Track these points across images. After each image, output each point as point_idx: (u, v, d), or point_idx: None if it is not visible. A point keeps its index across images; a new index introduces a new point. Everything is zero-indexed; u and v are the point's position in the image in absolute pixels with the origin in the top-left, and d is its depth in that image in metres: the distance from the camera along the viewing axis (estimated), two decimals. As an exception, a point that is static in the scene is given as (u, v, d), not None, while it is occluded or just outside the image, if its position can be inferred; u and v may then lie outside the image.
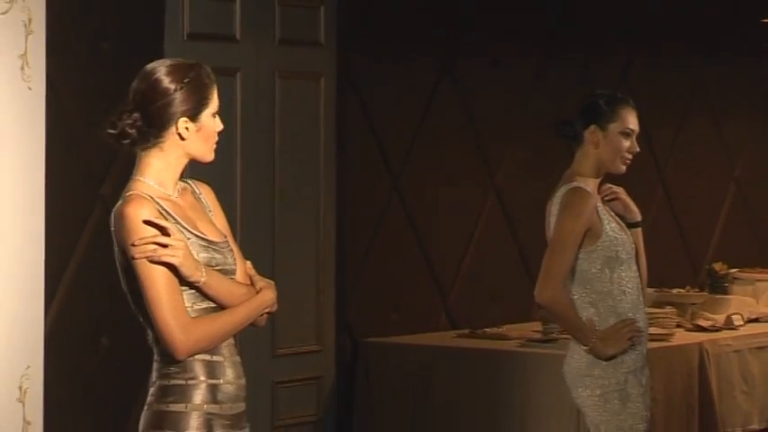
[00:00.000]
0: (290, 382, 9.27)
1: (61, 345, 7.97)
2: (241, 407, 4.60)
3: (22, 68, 7.40)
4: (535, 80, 10.24)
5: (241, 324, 4.62)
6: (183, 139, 4.51)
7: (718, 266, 11.62)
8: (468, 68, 10.91)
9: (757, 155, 13.67)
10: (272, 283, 4.75)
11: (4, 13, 7.34)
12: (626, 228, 6.55)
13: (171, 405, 4.50)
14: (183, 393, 4.52)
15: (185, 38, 8.76)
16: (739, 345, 10.54)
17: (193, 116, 4.50)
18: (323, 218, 9.74)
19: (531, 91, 10.02)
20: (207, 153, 4.65)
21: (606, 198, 6.63)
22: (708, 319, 10.65)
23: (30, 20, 7.54)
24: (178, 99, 4.48)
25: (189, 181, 4.77)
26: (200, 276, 4.40)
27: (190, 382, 4.50)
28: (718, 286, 11.49)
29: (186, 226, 4.53)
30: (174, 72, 4.56)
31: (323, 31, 9.69)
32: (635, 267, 6.59)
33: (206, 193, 4.81)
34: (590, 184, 6.45)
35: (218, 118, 4.57)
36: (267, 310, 4.69)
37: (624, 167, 6.54)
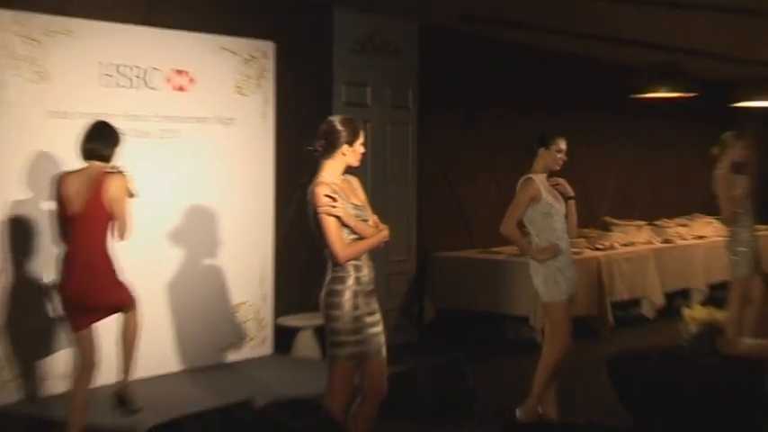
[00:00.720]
0: (393, 275, 12.22)
1: (283, 259, 10.69)
2: (372, 286, 6.82)
3: (264, 116, 10.40)
4: (518, 128, 12.59)
5: (370, 247, 6.78)
6: (344, 155, 6.68)
7: (606, 219, 15.05)
8: (486, 123, 13.52)
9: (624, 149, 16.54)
10: (386, 227, 6.90)
11: (254, 94, 10.28)
12: (562, 199, 8.80)
13: (336, 286, 6.65)
14: (341, 280, 6.66)
15: (345, 104, 11.52)
16: (616, 256, 13.66)
17: (350, 144, 6.65)
18: (408, 197, 12.72)
19: (516, 135, 12.09)
20: (355, 163, 6.78)
21: (552, 184, 8.80)
22: (600, 245, 13.81)
23: (266, 99, 10.46)
24: (343, 136, 6.64)
25: (347, 175, 6.84)
26: (350, 222, 6.57)
27: (345, 274, 6.65)
28: (605, 228, 14.75)
29: (345, 197, 6.67)
30: (342, 122, 6.74)
31: (411, 101, 12.65)
32: (563, 219, 8.77)
33: (355, 182, 6.93)
34: (539, 176, 8.70)
35: (362, 146, 6.75)
36: (383, 240, 6.89)
37: (558, 167, 8.82)
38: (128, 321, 8.01)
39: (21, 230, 8.69)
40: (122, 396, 8.08)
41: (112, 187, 7.55)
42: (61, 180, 7.66)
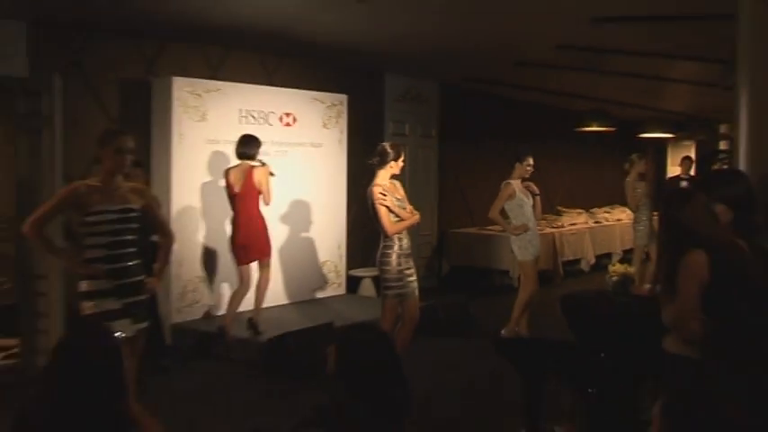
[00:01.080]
0: (422, 244, 11.98)
1: (352, 233, 10.53)
2: (409, 251, 6.73)
3: (340, 141, 10.30)
4: (503, 150, 11.99)
5: (408, 226, 6.71)
6: (391, 167, 6.66)
7: (559, 208, 14.69)
8: (482, 147, 13.26)
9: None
10: (418, 213, 6.88)
11: (334, 127, 10.23)
12: (530, 196, 8.70)
13: (386, 250, 6.62)
14: (389, 247, 6.61)
15: (392, 135, 11.34)
16: (565, 232, 13.58)
17: (395, 160, 6.66)
18: (432, 194, 12.41)
19: (501, 155, 11.47)
20: (398, 172, 6.77)
21: (524, 186, 8.67)
22: (555, 225, 13.64)
23: (341, 130, 10.28)
24: (390, 155, 6.66)
25: (393, 180, 6.74)
26: (395, 210, 6.57)
27: (391, 243, 6.61)
28: (558, 214, 14.34)
29: (391, 194, 6.63)
30: (390, 146, 6.79)
31: (434, 133, 12.42)
32: (530, 208, 8.66)
33: (398, 184, 6.86)
34: (515, 181, 8.61)
35: (402, 162, 6.74)
36: (416, 222, 6.88)
37: (528, 175, 8.70)
38: (263, 271, 8.24)
39: (199, 208, 8.83)
40: (254, 321, 8.19)
41: (257, 174, 7.97)
42: (227, 172, 8.13)
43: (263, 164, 8.06)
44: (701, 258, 3.59)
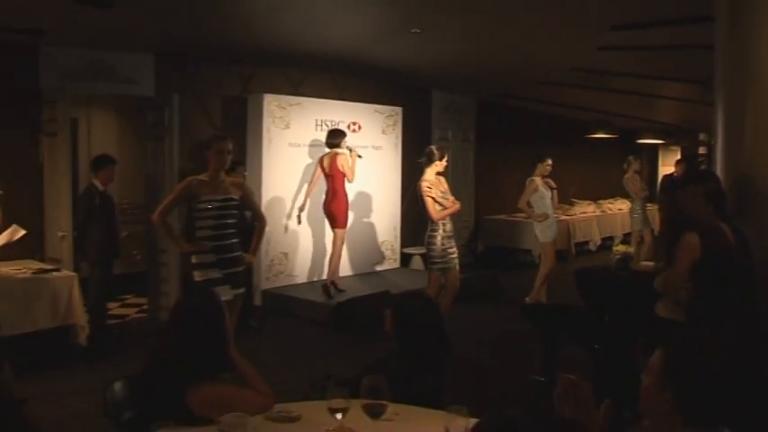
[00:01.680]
0: (462, 228, 11.27)
1: (405, 218, 10.31)
2: (451, 233, 6.70)
3: (396, 145, 10.20)
4: (527, 152, 11.04)
5: (450, 213, 6.65)
6: (436, 165, 6.62)
7: (572, 199, 14.34)
8: (511, 150, 13.01)
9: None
10: (459, 203, 6.81)
11: (391, 133, 10.16)
12: (549, 190, 8.51)
13: (432, 233, 6.60)
14: (435, 230, 6.59)
15: (438, 140, 10.83)
16: (577, 218, 13.47)
17: (440, 160, 6.63)
18: (470, 187, 12.02)
19: (526, 156, 10.42)
20: (442, 170, 6.68)
21: (545, 182, 8.49)
22: (569, 213, 13.40)
23: (397, 136, 10.21)
24: (436, 155, 6.65)
25: (438, 176, 6.67)
26: (439, 200, 6.53)
27: (436, 227, 6.60)
28: (572, 204, 14.04)
29: (437, 187, 6.62)
30: (436, 148, 6.83)
31: (472, 138, 12.13)
32: (550, 200, 8.48)
33: (443, 179, 6.76)
34: (537, 178, 8.45)
35: (446, 161, 6.70)
36: (457, 210, 6.79)
37: (547, 173, 8.52)
38: (336, 238, 8.39)
39: (283, 197, 8.77)
40: (329, 285, 8.33)
41: (340, 159, 8.14)
42: (321, 158, 8.38)
43: (351, 150, 8.28)
44: (694, 240, 3.58)
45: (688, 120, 14.83)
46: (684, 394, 1.88)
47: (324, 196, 8.39)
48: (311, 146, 9.04)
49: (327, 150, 8.31)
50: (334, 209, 8.23)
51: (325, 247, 9.17)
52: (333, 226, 8.34)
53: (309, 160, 8.99)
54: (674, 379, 1.90)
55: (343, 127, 9.22)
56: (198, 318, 2.70)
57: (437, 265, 6.69)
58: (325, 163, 8.27)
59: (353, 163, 8.26)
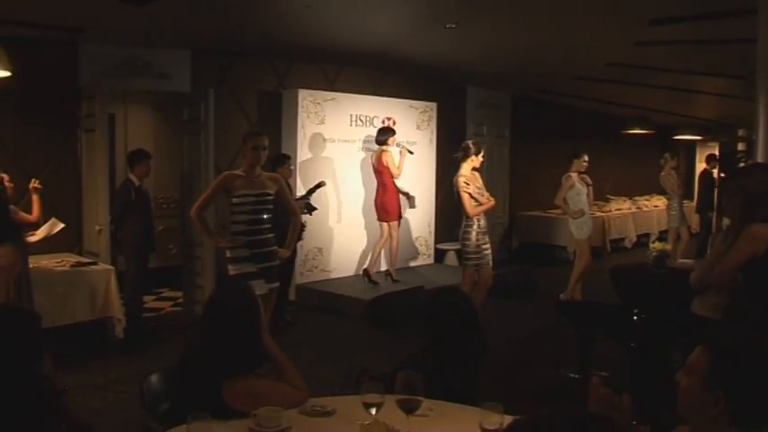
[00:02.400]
0: (497, 224, 11.28)
1: (439, 214, 10.36)
2: (486, 229, 6.62)
3: (431, 140, 10.20)
4: (562, 148, 11.12)
5: (485, 209, 6.60)
6: (472, 161, 6.60)
7: (608, 196, 14.22)
8: (546, 145, 12.93)
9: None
10: (494, 199, 6.82)
11: (426, 129, 10.12)
12: (585, 186, 8.39)
13: (467, 229, 6.55)
14: (470, 226, 6.54)
15: (473, 134, 10.69)
16: (612, 215, 13.23)
17: (476, 155, 6.59)
18: (505, 183, 11.93)
19: (561, 152, 10.69)
20: (478, 165, 6.66)
21: (581, 178, 8.37)
22: (605, 209, 13.23)
23: (432, 131, 10.20)
24: (472, 150, 6.57)
25: (474, 172, 6.63)
26: (475, 195, 6.46)
27: (472, 222, 6.54)
28: (607, 201, 13.88)
29: (473, 183, 6.57)
30: (472, 143, 6.64)
31: (507, 133, 12.07)
32: (585, 197, 8.37)
33: (478, 175, 6.72)
34: (573, 174, 8.33)
35: (482, 157, 6.65)
36: (492, 206, 6.75)
37: (583, 170, 8.39)
38: (392, 231, 8.71)
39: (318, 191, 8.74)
40: (374, 274, 8.68)
41: (384, 156, 8.51)
42: (372, 155, 8.75)
43: (400, 146, 8.72)
44: (765, 231, 3.40)
45: (727, 116, 14.66)
46: (735, 393, 1.83)
47: (374, 192, 8.69)
48: (346, 141, 9.10)
49: (377, 147, 8.62)
50: (386, 202, 8.53)
51: (359, 242, 9.26)
52: (385, 219, 8.64)
53: (344, 155, 9.06)
54: (725, 378, 1.85)
55: (377, 122, 9.29)
56: (231, 312, 2.70)
57: (471, 260, 6.66)
58: (374, 159, 8.63)
59: (402, 159, 8.62)
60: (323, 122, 8.84)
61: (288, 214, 5.56)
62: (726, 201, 3.69)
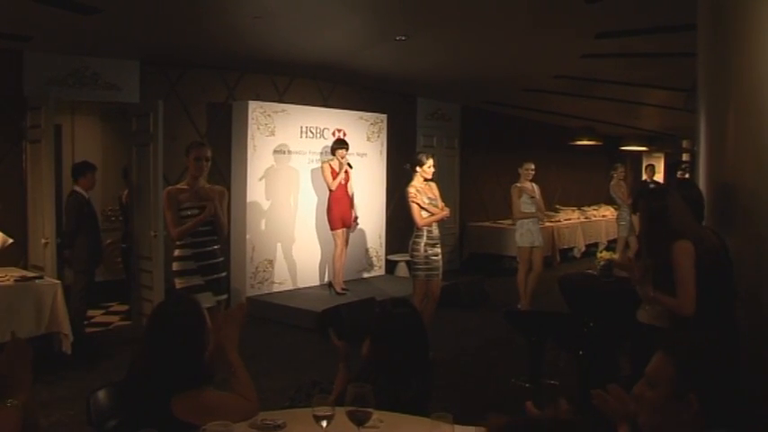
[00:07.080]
0: (448, 234, 10.95)
1: (390, 225, 10.39)
2: (436, 240, 6.57)
3: (381, 152, 10.20)
4: (511, 159, 11.44)
5: (436, 220, 6.55)
6: (423, 171, 6.60)
7: (556, 206, 14.18)
8: (495, 156, 13.06)
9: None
10: (449, 209, 6.79)
11: (376, 140, 10.14)
12: (535, 192, 8.65)
13: (416, 239, 6.54)
14: (419, 236, 6.54)
15: (423, 146, 11.02)
16: (561, 225, 13.28)
17: (426, 166, 6.57)
18: (455, 193, 11.95)
19: (510, 163, 10.96)
20: (429, 176, 6.62)
21: (524, 187, 8.60)
22: (554, 219, 13.16)
23: (382, 143, 10.21)
24: (423, 161, 6.57)
25: (428, 182, 6.62)
26: (425, 206, 6.46)
27: (421, 233, 6.53)
28: (556, 211, 13.88)
29: (425, 193, 6.59)
30: (422, 155, 6.63)
31: (456, 145, 12.17)
32: (534, 203, 8.59)
33: (433, 185, 6.71)
34: (520, 183, 8.64)
35: (432, 167, 6.61)
36: (447, 216, 6.67)
37: (530, 179, 8.64)
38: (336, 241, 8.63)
39: (268, 204, 8.75)
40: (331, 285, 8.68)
41: (324, 166, 8.52)
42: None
43: (347, 164, 8.56)
44: (690, 246, 3.53)
45: (672, 127, 14.95)
46: (707, 392, 1.85)
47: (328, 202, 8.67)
48: (297, 153, 9.07)
49: (329, 157, 8.65)
50: (327, 211, 8.56)
51: (310, 254, 9.23)
52: (330, 229, 8.64)
53: (294, 167, 9.04)
54: (695, 379, 1.87)
55: (328, 134, 9.30)
56: (173, 325, 2.64)
57: (420, 271, 6.64)
58: (328, 171, 8.61)
59: (331, 173, 8.45)
60: (273, 134, 8.81)
61: (216, 229, 5.33)
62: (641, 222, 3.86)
